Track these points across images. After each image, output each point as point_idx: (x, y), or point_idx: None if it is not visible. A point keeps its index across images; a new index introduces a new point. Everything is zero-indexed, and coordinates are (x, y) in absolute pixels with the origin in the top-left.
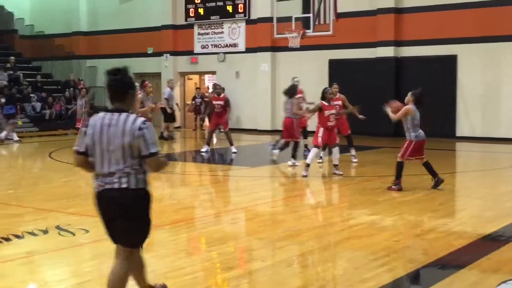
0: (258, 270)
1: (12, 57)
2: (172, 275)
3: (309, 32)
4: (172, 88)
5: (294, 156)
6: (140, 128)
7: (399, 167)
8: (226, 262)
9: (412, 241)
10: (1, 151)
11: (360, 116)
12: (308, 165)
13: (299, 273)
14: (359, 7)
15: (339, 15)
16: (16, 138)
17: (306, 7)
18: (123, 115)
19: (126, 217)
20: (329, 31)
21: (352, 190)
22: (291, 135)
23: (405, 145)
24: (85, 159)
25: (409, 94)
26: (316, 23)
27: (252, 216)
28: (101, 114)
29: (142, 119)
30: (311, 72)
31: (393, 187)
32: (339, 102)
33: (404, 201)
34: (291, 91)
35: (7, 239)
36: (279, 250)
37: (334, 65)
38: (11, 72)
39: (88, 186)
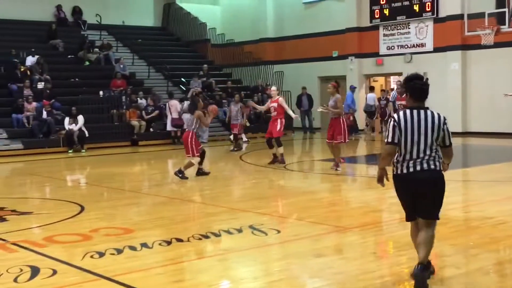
0: (451, 277)
1: (205, 65)
2: (362, 278)
3: (505, 28)
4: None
5: None
6: (444, 123)
7: None
8: None
9: None
10: None
11: None
12: None
13: (497, 283)
14: None
15: None
16: (245, 139)
17: (500, 2)
18: (428, 111)
19: (435, 192)
20: None
21: None
22: None
23: None
24: (395, 148)
25: None
26: None
27: (444, 221)
28: (407, 111)
29: (443, 116)
30: (506, 70)
31: None
32: None
33: None
34: None
35: (206, 237)
36: (474, 258)
37: None
38: (204, 79)
39: (275, 188)
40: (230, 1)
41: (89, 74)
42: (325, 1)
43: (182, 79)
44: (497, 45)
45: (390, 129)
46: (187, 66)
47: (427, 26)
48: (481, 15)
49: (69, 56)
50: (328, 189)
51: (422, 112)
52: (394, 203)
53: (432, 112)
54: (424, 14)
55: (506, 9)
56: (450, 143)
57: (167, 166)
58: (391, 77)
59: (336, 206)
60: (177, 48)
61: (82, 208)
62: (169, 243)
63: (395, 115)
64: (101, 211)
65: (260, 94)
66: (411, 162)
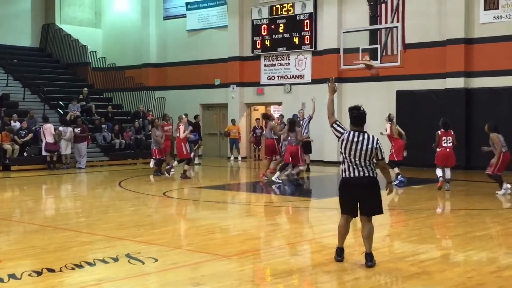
0: None
1: (85, 89)
2: None
3: (377, 63)
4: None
5: None
6: (377, 143)
7: None
8: None
9: (487, 278)
10: (73, 180)
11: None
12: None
13: None
14: (428, 38)
15: (407, 46)
16: (197, 161)
17: (373, 38)
18: (365, 134)
19: (373, 193)
20: (397, 62)
21: (421, 223)
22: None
23: None
24: (333, 116)
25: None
26: (384, 54)
27: (319, 249)
28: (350, 132)
29: (376, 137)
30: (378, 103)
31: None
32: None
33: (477, 236)
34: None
35: (80, 266)
36: (347, 284)
37: (401, 96)
38: (84, 103)
39: (155, 215)
40: (112, 25)
41: None
42: (208, 30)
43: (60, 102)
44: (370, 79)
45: (338, 127)
46: (66, 89)
47: (306, 58)
48: (356, 50)
49: None
50: (207, 217)
51: (360, 134)
52: (272, 231)
53: (368, 135)
54: (303, 47)
55: (378, 46)
56: (383, 157)
57: (41, 192)
58: (271, 106)
59: (214, 234)
60: (56, 70)
61: None
62: (39, 273)
63: (345, 133)
64: None
65: (141, 120)
66: (353, 170)
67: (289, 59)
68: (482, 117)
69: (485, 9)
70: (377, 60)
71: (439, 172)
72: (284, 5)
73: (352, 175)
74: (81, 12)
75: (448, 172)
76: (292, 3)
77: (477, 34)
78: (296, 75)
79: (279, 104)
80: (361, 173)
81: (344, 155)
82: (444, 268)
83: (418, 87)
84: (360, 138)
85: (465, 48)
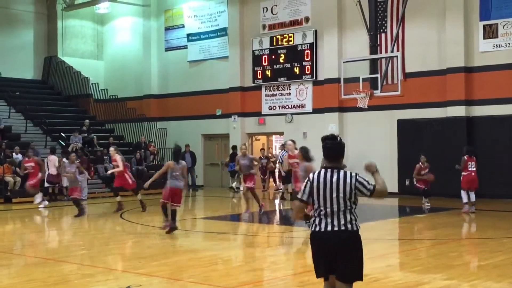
0: None
1: (87, 120)
2: None
3: (377, 93)
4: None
5: None
6: (356, 180)
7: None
8: None
9: None
10: (74, 211)
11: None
12: None
13: None
14: (428, 67)
15: (407, 75)
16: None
17: (373, 68)
18: (341, 172)
19: (351, 252)
20: (397, 91)
21: (425, 253)
22: None
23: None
24: (304, 206)
25: None
26: (384, 83)
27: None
28: (321, 171)
29: (355, 174)
30: (379, 132)
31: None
32: None
33: (481, 266)
34: None
35: None
36: None
37: (403, 125)
38: (86, 134)
39: (156, 247)
40: (114, 56)
41: None
42: (209, 60)
43: (62, 134)
44: (370, 108)
45: (303, 186)
46: (68, 120)
47: (306, 88)
48: (356, 80)
49: None
50: (209, 248)
51: (335, 172)
52: (274, 262)
53: (345, 173)
54: (304, 77)
55: (378, 75)
56: (371, 190)
57: (42, 225)
58: (273, 136)
59: (216, 265)
60: (58, 102)
61: None
62: None
63: (311, 174)
64: None
65: (142, 150)
66: (324, 221)
67: (290, 89)
68: (483, 145)
69: (484, 38)
70: (377, 89)
71: (464, 197)
72: (284, 35)
73: (322, 228)
74: (83, 45)
75: (472, 195)
76: (293, 33)
77: (477, 63)
78: (297, 105)
79: (281, 134)
80: (335, 226)
81: (308, 200)
82: None
83: (419, 115)
84: (334, 178)
85: (466, 77)
